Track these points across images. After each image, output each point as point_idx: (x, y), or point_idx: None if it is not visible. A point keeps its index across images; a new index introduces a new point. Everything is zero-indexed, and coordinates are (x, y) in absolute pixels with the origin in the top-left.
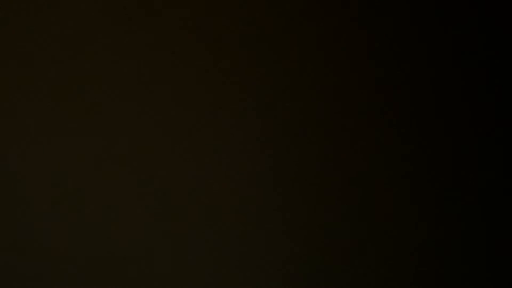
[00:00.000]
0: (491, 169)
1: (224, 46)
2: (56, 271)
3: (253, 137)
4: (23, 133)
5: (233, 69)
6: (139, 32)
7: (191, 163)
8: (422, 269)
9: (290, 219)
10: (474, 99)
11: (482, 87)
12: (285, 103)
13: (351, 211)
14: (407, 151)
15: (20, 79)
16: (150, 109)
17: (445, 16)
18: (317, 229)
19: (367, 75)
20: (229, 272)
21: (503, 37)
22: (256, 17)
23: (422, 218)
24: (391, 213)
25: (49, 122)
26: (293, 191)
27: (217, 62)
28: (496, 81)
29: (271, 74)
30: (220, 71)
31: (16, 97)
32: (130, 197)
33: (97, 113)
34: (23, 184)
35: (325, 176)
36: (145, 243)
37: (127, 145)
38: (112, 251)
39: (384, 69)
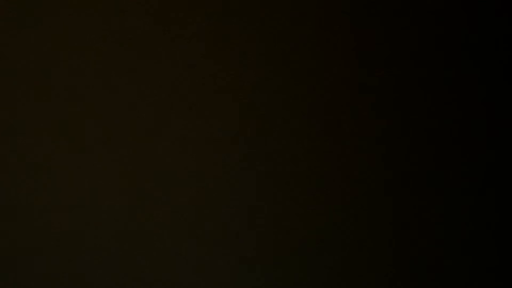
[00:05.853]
0: (491, 168)
1: (223, 47)
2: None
3: (250, 137)
4: (22, 133)
5: (232, 70)
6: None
7: (190, 163)
8: (421, 268)
9: (287, 219)
10: (474, 99)
11: (482, 88)
12: (281, 103)
13: (348, 212)
14: (404, 152)
15: (19, 82)
16: (148, 110)
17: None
18: (314, 229)
19: (364, 76)
20: (225, 271)
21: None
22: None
23: (422, 218)
24: (389, 213)
25: (48, 124)
26: (290, 191)
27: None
28: (495, 81)
29: (267, 74)
30: (218, 72)
31: (15, 99)
32: (127, 196)
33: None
34: (22, 184)
35: (322, 177)
36: (143, 244)
37: (124, 145)
38: (110, 252)
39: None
